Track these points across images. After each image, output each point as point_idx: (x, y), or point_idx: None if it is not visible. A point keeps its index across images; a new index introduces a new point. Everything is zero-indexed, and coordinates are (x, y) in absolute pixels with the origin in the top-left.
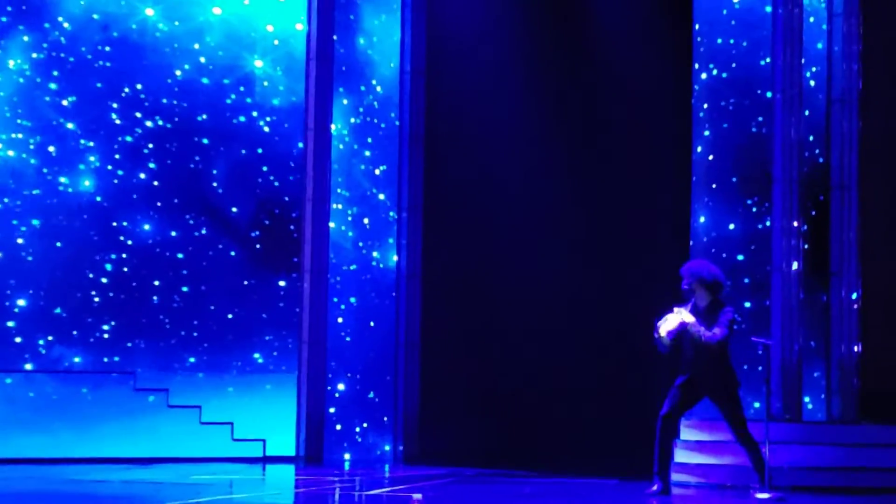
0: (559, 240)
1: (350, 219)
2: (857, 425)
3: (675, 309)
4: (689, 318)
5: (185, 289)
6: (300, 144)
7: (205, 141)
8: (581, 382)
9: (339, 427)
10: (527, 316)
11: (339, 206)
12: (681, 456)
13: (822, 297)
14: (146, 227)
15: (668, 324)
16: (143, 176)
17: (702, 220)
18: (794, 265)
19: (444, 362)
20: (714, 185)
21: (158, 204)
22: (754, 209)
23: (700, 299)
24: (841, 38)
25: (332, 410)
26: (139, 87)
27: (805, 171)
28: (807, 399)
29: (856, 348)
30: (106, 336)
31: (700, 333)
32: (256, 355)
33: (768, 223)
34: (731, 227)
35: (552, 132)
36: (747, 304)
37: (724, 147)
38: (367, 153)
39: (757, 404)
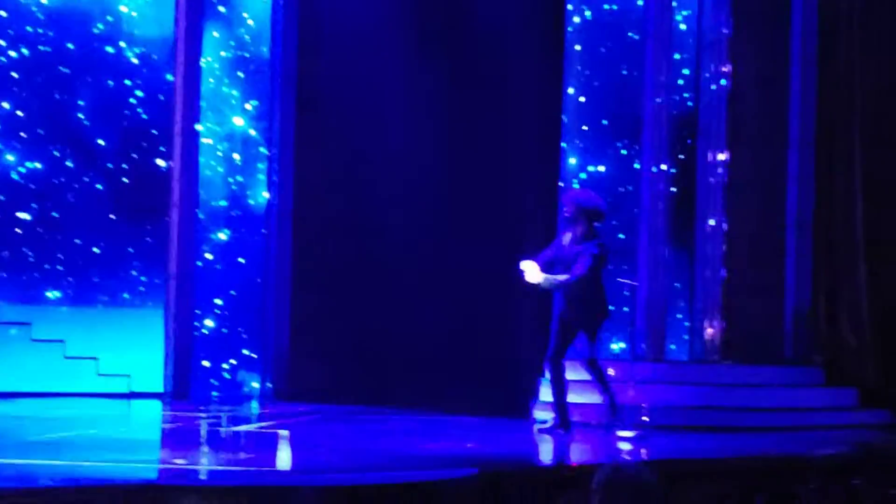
0: (431, 180)
1: (220, 154)
2: (717, 365)
3: (522, 265)
4: (537, 278)
5: (49, 222)
6: (169, 77)
7: (70, 71)
8: (455, 322)
9: (206, 363)
10: (399, 257)
11: (210, 142)
12: (547, 395)
13: (689, 241)
14: (10, 157)
15: (527, 276)
16: (6, 105)
17: (572, 161)
18: (661, 208)
19: (315, 300)
20: (585, 128)
21: (23, 135)
22: (624, 151)
23: (579, 227)
24: None
25: (199, 346)
26: (3, 14)
27: (674, 114)
28: (672, 343)
29: (717, 290)
30: None
31: (556, 284)
32: (123, 291)
33: (637, 166)
34: (601, 169)
35: (426, 74)
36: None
37: (596, 89)
38: (238, 88)
39: (623, 344)
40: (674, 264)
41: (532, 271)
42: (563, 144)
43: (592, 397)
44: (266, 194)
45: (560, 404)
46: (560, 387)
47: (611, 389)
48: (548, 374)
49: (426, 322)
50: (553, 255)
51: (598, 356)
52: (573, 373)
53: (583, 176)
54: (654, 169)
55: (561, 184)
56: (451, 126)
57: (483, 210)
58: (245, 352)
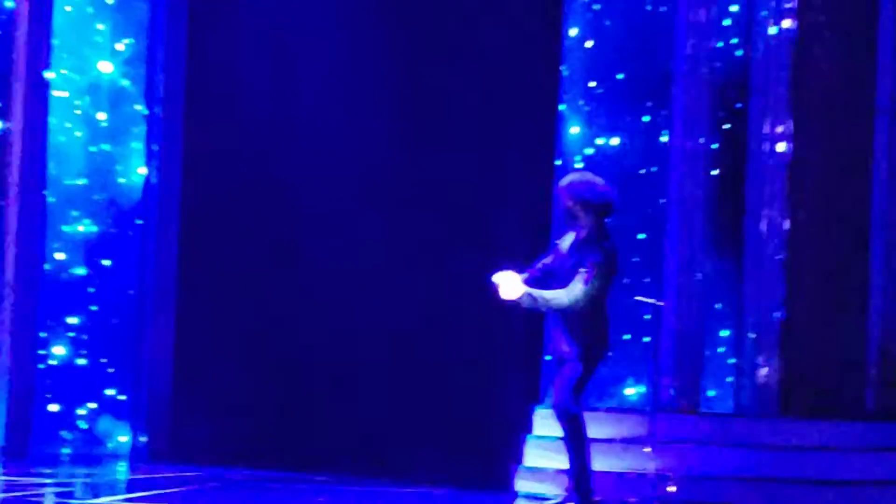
0: (378, 158)
1: (79, 112)
2: (775, 419)
3: (496, 277)
4: (516, 292)
5: None
6: (9, 2)
7: None
8: (408, 358)
9: (55, 408)
10: (333, 264)
11: (66, 94)
12: (536, 458)
13: (736, 244)
14: None
15: (503, 292)
16: None
17: (574, 131)
18: (698, 197)
19: (209, 321)
20: (594, 84)
21: None
22: (647, 118)
23: (582, 226)
24: None
25: (44, 383)
26: None
27: (718, 68)
28: (711, 388)
29: (778, 314)
30: None
31: (542, 303)
32: None
33: (665, 138)
34: (616, 141)
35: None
36: (635, 259)
37: (608, 32)
38: (106, 22)
39: (641, 388)
40: (715, 277)
41: (509, 284)
42: (562, 107)
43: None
44: (143, 170)
45: (578, 472)
46: (578, 446)
47: (585, 460)
48: (560, 428)
49: (368, 357)
50: (550, 265)
51: (583, 406)
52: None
53: (589, 152)
54: (688, 143)
55: (558, 163)
56: (404, 80)
57: (450, 202)
58: (110, 392)
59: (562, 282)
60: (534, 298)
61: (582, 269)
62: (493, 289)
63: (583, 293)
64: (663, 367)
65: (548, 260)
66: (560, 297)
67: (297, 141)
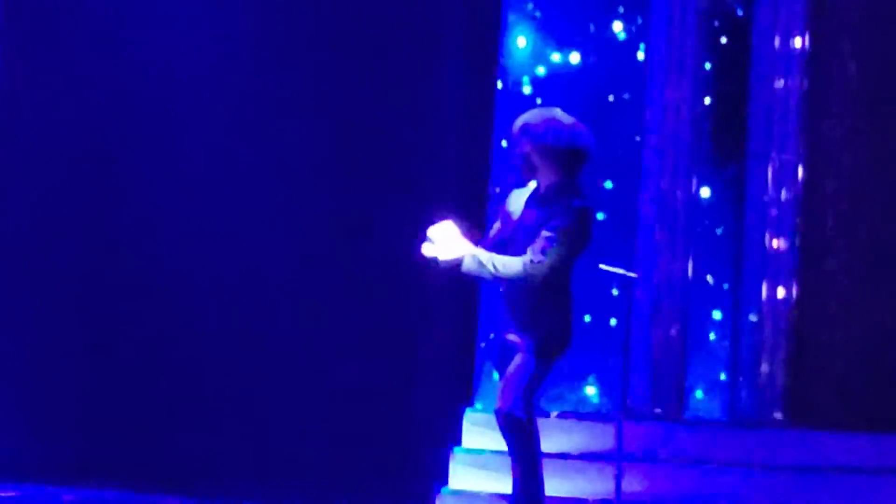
0: (245, 91)
1: None
2: (783, 430)
3: (436, 230)
4: (458, 251)
5: None
6: None
7: None
8: (294, 348)
9: None
10: (184, 238)
11: None
12: (462, 477)
13: (734, 198)
14: None
15: (439, 252)
16: None
17: (521, 43)
18: (686, 134)
19: (35, 323)
20: None
21: None
22: (618, 28)
23: (544, 178)
24: None
25: None
26: None
27: None
28: (699, 387)
29: (782, 291)
30: None
31: (489, 272)
32: None
33: (642, 54)
34: (576, 58)
35: None
36: (600, 217)
37: None
38: None
39: (604, 387)
40: (704, 241)
41: (448, 241)
42: (506, 14)
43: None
44: None
45: (526, 496)
46: (527, 462)
47: (536, 481)
48: (503, 439)
49: (244, 349)
50: (500, 232)
51: (534, 410)
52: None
53: (541, 72)
54: (672, 62)
55: (499, 86)
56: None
57: (352, 142)
58: None
59: (517, 252)
60: (480, 263)
61: (545, 233)
62: (420, 249)
63: (544, 265)
64: (635, 360)
65: (496, 227)
66: (514, 265)
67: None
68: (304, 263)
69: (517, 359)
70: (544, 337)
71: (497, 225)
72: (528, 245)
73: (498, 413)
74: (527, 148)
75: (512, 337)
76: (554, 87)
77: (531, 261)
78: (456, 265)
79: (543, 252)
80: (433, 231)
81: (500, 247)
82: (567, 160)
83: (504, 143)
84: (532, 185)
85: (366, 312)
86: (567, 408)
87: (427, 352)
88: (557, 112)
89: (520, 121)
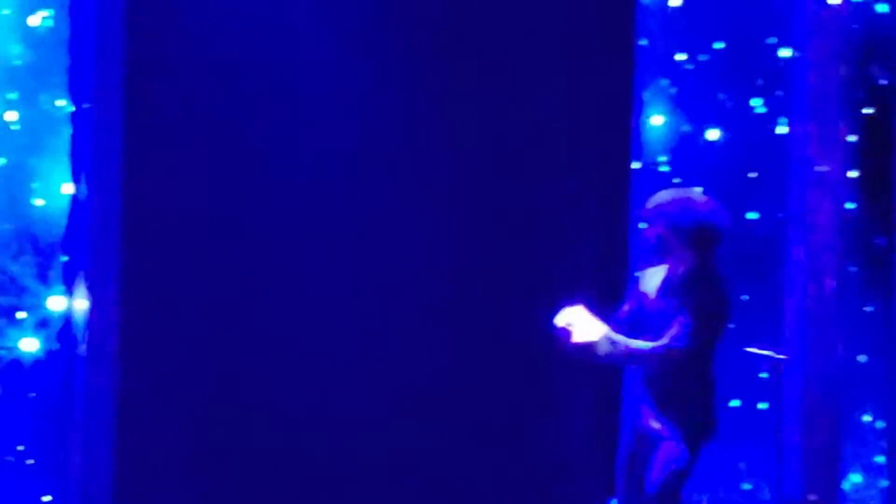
0: (385, 156)
1: None
2: None
3: (566, 315)
4: (593, 334)
5: None
6: None
7: None
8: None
9: None
10: (317, 302)
11: None
12: None
13: (885, 278)
14: None
15: (573, 331)
16: None
17: (657, 121)
18: (831, 210)
19: (156, 383)
20: (683, 58)
21: None
22: (755, 102)
23: (678, 260)
24: None
25: None
26: None
27: (855, 31)
28: (855, 472)
29: None
30: None
31: (623, 356)
32: None
33: (783, 129)
34: (715, 135)
35: None
36: (744, 297)
37: None
38: None
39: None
40: (853, 317)
41: (582, 323)
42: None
43: None
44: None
45: None
46: None
47: None
48: None
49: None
50: (632, 312)
51: (681, 500)
52: None
53: (678, 150)
54: (814, 135)
55: (636, 165)
56: (427, 54)
57: (486, 222)
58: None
59: (650, 336)
60: (614, 343)
61: (681, 318)
62: (549, 334)
63: (681, 350)
64: (787, 444)
65: (627, 307)
66: (649, 349)
67: (273, 139)
68: (430, 351)
69: (662, 446)
70: (689, 423)
71: (628, 306)
72: (663, 329)
73: (647, 501)
74: (660, 229)
75: (654, 424)
76: (692, 164)
77: (668, 346)
78: (588, 347)
79: (680, 337)
80: (564, 315)
81: (630, 328)
82: (702, 241)
83: (641, 226)
84: (666, 266)
85: (495, 396)
86: (718, 497)
87: (561, 443)
88: (693, 192)
89: (653, 201)
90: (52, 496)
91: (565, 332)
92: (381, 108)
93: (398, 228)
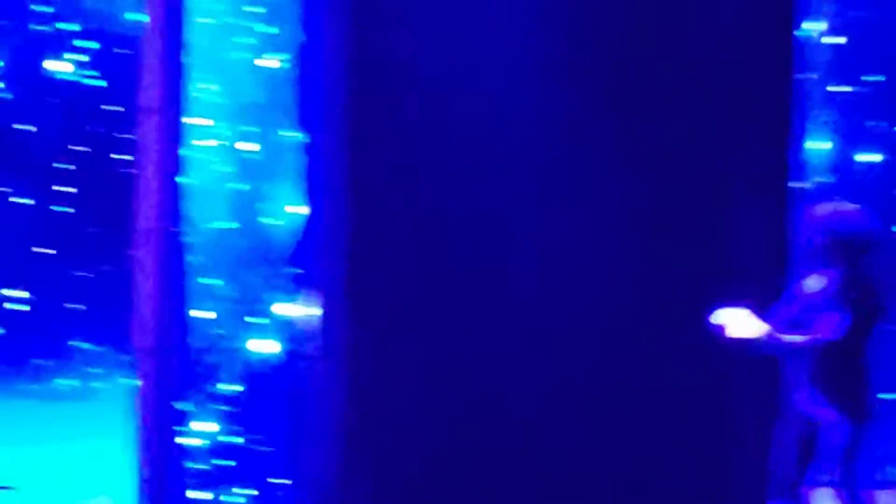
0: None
1: (225, 143)
2: None
3: (717, 315)
4: (753, 329)
5: None
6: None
7: None
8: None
9: (200, 495)
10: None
11: (210, 123)
12: None
13: None
14: None
15: (732, 329)
16: None
17: (820, 147)
18: None
19: (390, 391)
20: (845, 89)
21: None
22: None
23: (836, 266)
24: None
25: (189, 466)
26: None
27: None
28: None
29: None
30: None
31: (785, 343)
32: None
33: None
34: (875, 158)
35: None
36: None
37: (863, 23)
38: (257, 27)
39: None
40: None
41: (741, 321)
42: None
43: None
44: (303, 209)
45: None
46: None
47: None
48: None
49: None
50: (793, 312)
51: (855, 479)
52: None
53: (840, 175)
54: None
55: (798, 185)
56: (605, 88)
57: (661, 236)
58: (269, 477)
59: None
60: (773, 338)
61: (836, 313)
62: (712, 332)
63: (833, 340)
64: None
65: (786, 307)
66: (805, 340)
67: (494, 148)
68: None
69: (829, 430)
70: (854, 402)
71: (791, 307)
72: (818, 325)
73: (832, 484)
74: (820, 238)
75: (819, 409)
76: (855, 187)
77: (823, 337)
78: (748, 342)
79: (834, 329)
80: (721, 314)
81: (791, 327)
82: (857, 248)
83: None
84: (825, 271)
85: (667, 409)
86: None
87: (732, 440)
88: (847, 204)
89: (814, 213)
90: (290, 480)
91: (721, 329)
92: (576, 135)
93: (586, 232)
